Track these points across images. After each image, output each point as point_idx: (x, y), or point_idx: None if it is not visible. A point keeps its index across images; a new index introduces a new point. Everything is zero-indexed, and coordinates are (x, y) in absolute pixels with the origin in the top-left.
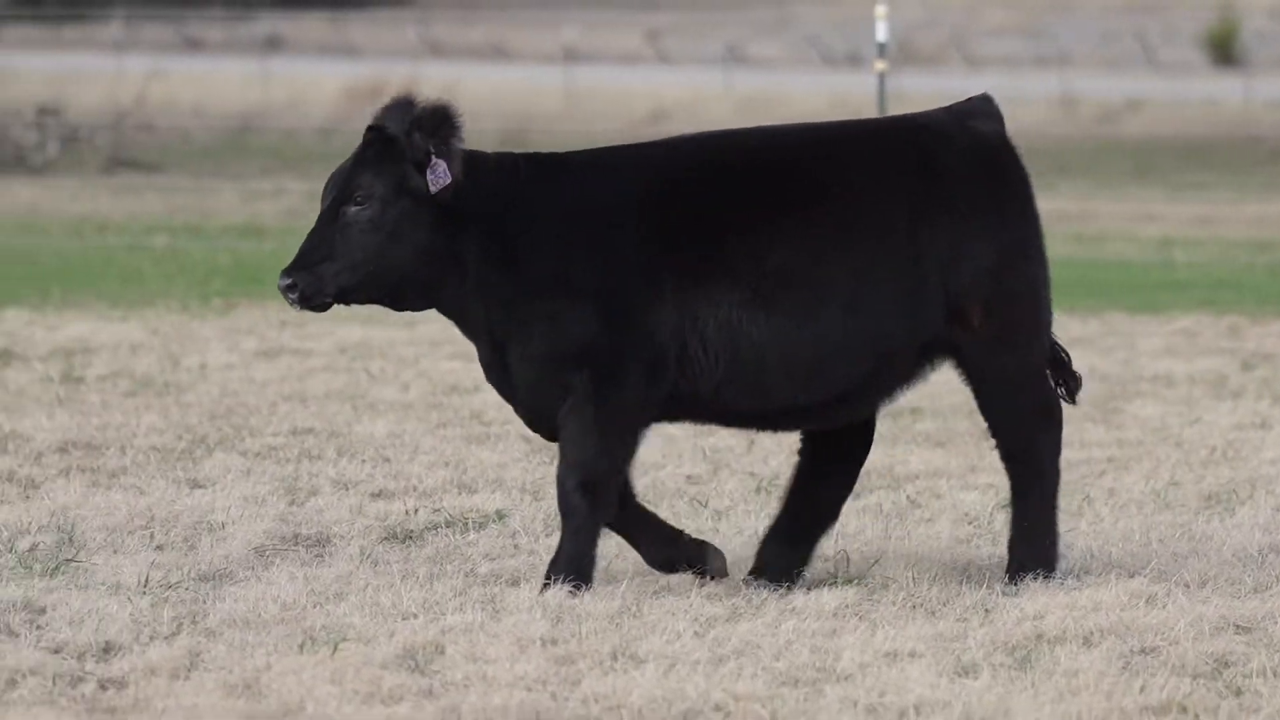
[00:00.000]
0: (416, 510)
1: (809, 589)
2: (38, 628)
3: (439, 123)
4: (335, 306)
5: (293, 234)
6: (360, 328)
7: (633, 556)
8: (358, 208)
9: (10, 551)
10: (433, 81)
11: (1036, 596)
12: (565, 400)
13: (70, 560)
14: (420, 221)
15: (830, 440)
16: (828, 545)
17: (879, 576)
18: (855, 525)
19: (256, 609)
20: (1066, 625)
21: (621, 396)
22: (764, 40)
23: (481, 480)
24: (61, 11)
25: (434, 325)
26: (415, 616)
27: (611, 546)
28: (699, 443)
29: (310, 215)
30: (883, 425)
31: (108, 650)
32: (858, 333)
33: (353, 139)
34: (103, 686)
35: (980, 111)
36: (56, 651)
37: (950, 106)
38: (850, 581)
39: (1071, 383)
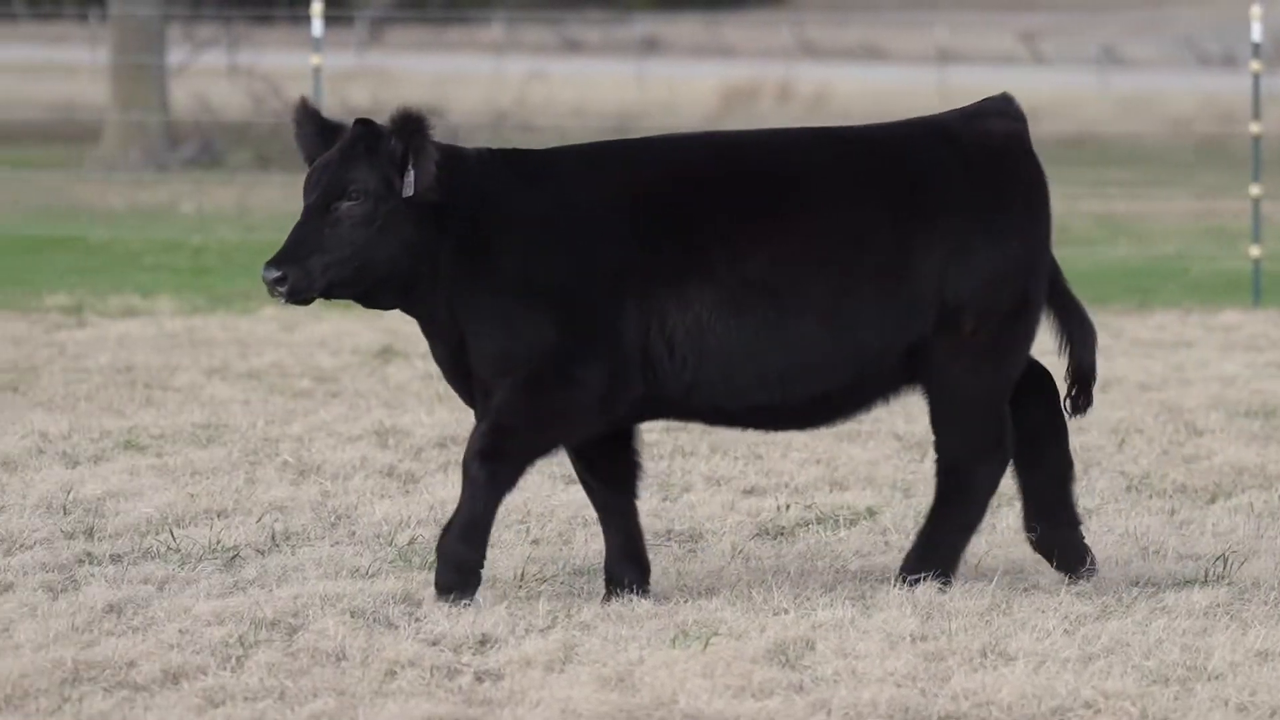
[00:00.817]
0: (788, 506)
1: (1179, 587)
2: (416, 620)
3: (412, 128)
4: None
5: None
6: None
7: (1002, 554)
8: (351, 202)
9: (390, 545)
10: (805, 82)
11: None
12: None
13: None
14: (408, 218)
15: (1029, 410)
16: (1199, 544)
17: (1250, 576)
18: (1226, 524)
19: (630, 603)
20: None
21: (560, 397)
22: (1139, 41)
23: (853, 477)
24: (445, 14)
25: None
26: (786, 612)
27: (981, 544)
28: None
29: None
30: (1253, 425)
31: (484, 643)
32: (836, 340)
33: None
34: (479, 678)
35: (997, 112)
36: (434, 644)
37: (966, 107)
38: (1221, 580)
39: (1082, 399)
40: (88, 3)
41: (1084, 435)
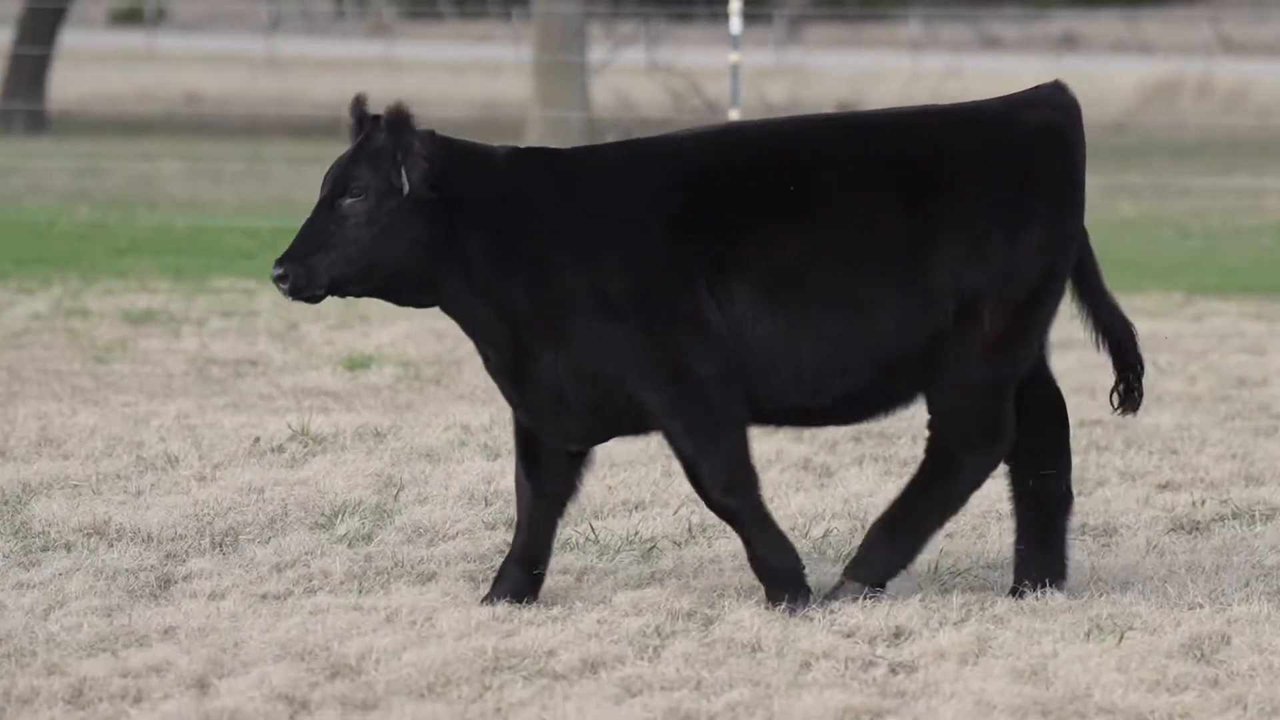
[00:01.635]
0: (1203, 502)
1: None
2: (831, 612)
3: (395, 125)
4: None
5: None
6: (1147, 320)
7: None
8: (353, 200)
9: (805, 537)
10: (1225, 78)
11: None
12: (627, 410)
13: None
14: (416, 217)
15: (1026, 434)
16: None
17: None
18: None
19: (1044, 596)
20: None
21: (699, 398)
22: None
23: (1269, 472)
24: (862, 11)
25: (1222, 319)
26: (1201, 607)
27: None
28: None
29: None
30: None
31: (898, 635)
32: (862, 336)
33: (1147, 134)
34: (893, 670)
35: (1040, 101)
36: (848, 635)
37: (1012, 94)
38: None
39: (1132, 395)
40: (511, 1)
41: None
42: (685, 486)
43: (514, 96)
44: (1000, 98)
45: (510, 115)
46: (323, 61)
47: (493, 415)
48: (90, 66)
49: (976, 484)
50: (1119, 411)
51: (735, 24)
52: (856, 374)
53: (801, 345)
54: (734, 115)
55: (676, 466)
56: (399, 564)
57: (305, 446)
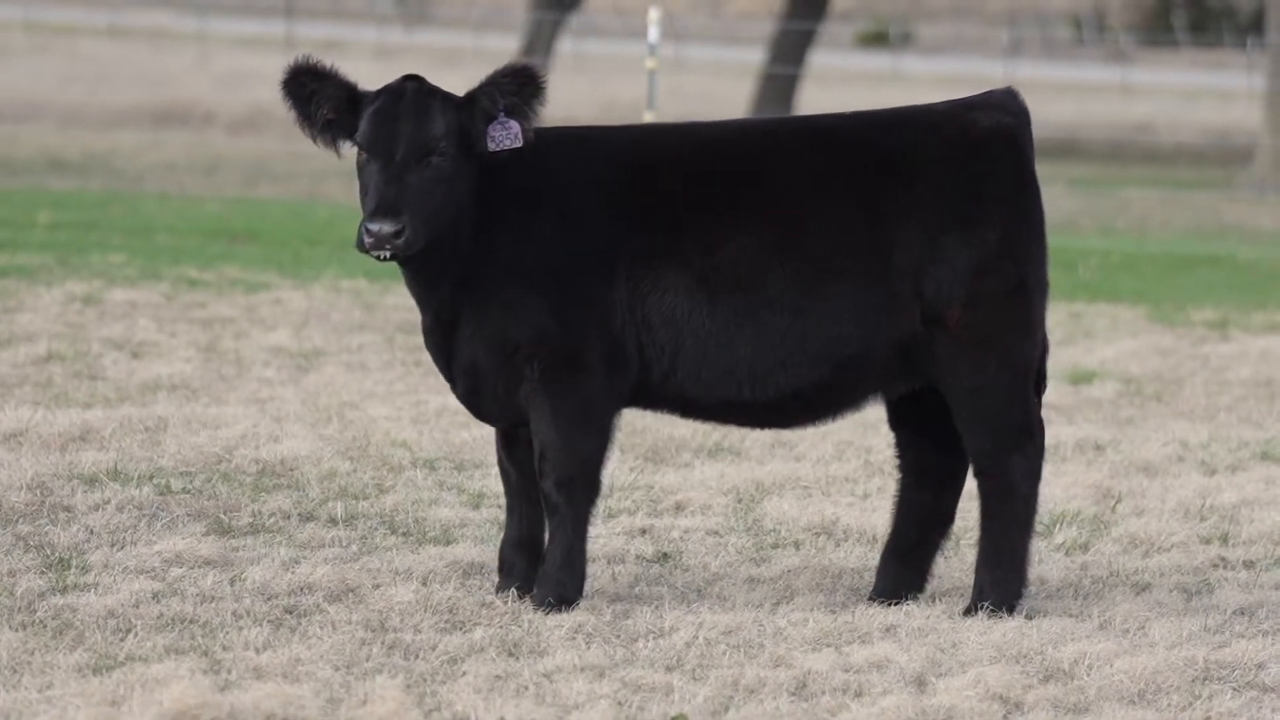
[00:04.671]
0: None
1: None
2: None
3: (521, 83)
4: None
5: None
6: None
7: None
8: (440, 158)
9: None
10: None
11: None
12: (514, 385)
13: None
14: (471, 179)
15: (928, 447)
16: None
17: None
18: None
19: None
20: None
21: (578, 387)
22: None
23: None
24: None
25: None
26: None
27: None
28: None
29: None
30: None
31: None
32: (807, 336)
33: None
34: None
35: (992, 105)
36: None
37: (964, 99)
38: None
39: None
40: (1247, 30)
41: None
42: None
43: (1244, 124)
44: (954, 101)
45: (1239, 142)
46: (1058, 85)
47: (1211, 432)
48: (836, 85)
49: (1035, 476)
50: None
51: None
52: (802, 372)
53: (739, 341)
54: None
55: None
56: (1114, 573)
57: None
